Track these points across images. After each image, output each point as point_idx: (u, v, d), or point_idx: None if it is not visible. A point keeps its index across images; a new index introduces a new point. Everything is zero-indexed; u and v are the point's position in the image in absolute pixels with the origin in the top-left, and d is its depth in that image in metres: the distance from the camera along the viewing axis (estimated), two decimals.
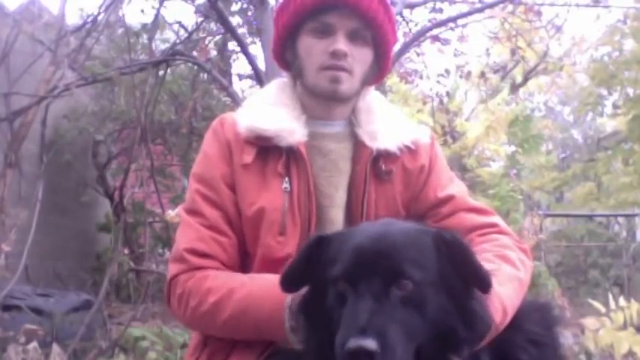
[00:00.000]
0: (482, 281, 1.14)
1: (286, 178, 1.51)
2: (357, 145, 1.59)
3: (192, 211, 1.53)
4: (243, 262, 1.52)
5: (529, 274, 1.45)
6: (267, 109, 1.59)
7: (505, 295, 1.29)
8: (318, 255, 1.22)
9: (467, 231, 1.48)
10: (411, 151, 1.61)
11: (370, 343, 1.01)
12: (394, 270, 1.11)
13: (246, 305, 1.38)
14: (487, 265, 1.23)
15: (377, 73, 1.64)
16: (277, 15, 1.61)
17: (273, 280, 1.36)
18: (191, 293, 1.44)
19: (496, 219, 1.58)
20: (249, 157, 1.53)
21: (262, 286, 1.38)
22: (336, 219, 1.54)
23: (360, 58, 1.55)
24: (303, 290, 1.27)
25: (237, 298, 1.39)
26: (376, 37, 1.56)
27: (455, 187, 1.63)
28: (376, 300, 1.08)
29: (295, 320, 1.31)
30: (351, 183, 1.56)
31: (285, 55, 1.63)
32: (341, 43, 1.50)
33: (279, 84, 1.67)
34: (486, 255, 1.38)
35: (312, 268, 1.21)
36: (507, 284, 1.33)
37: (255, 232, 1.50)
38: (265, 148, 1.53)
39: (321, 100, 1.58)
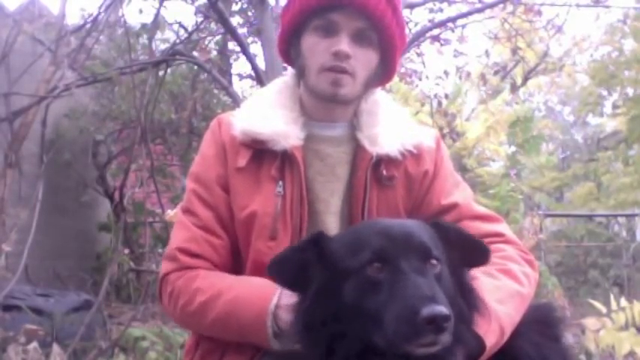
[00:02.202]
0: (483, 255, 1.25)
1: (280, 182, 1.49)
2: (358, 149, 1.54)
3: (188, 211, 1.53)
4: (236, 264, 1.51)
5: (533, 287, 1.43)
6: (265, 111, 1.56)
7: (504, 314, 1.28)
8: (316, 254, 1.20)
9: None
10: (415, 155, 1.56)
11: (445, 309, 1.04)
12: (425, 249, 1.16)
13: (231, 309, 1.37)
14: (488, 281, 1.30)
15: (382, 77, 1.59)
16: (283, 11, 1.59)
17: (258, 284, 1.37)
18: (180, 292, 1.44)
19: (502, 227, 1.54)
20: (243, 160, 1.51)
21: (248, 291, 1.38)
22: (330, 225, 1.51)
23: (363, 61, 1.50)
24: (296, 303, 1.24)
25: (223, 300, 1.39)
26: (382, 39, 1.51)
27: (460, 194, 1.57)
28: (423, 275, 1.11)
29: (278, 327, 1.32)
30: (351, 189, 1.53)
31: (289, 53, 1.60)
32: (344, 44, 1.46)
33: (279, 84, 1.64)
34: (489, 269, 1.36)
35: (309, 269, 1.20)
36: (508, 302, 1.32)
37: (247, 235, 1.49)
38: (260, 150, 1.51)
39: (321, 102, 1.55)
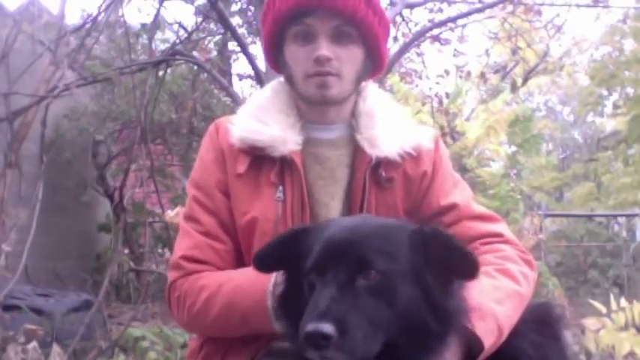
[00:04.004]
0: (470, 266, 1.14)
1: (280, 187, 1.49)
2: (357, 151, 1.54)
3: (190, 218, 1.54)
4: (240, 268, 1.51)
5: (531, 287, 1.42)
6: (261, 116, 1.55)
7: (502, 314, 1.28)
8: (297, 246, 1.22)
9: (470, 239, 1.44)
10: (413, 156, 1.55)
11: (327, 327, 1.02)
12: (360, 259, 1.12)
13: (232, 298, 1.38)
14: (486, 280, 1.27)
15: (372, 69, 1.58)
16: (261, 25, 1.59)
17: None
18: (187, 294, 1.45)
19: (501, 227, 1.54)
20: (242, 166, 1.51)
21: (247, 278, 1.39)
22: None
23: (347, 59, 1.49)
24: (282, 289, 1.28)
25: (224, 291, 1.40)
26: (362, 32, 1.49)
27: (459, 194, 1.57)
28: (341, 288, 1.09)
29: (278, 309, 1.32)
30: (350, 191, 1.53)
31: (278, 62, 1.59)
32: (323, 49, 1.45)
33: (276, 87, 1.63)
34: (487, 269, 1.35)
35: (289, 258, 1.22)
36: (506, 302, 1.31)
37: (249, 241, 1.49)
38: (259, 156, 1.51)
39: (314, 105, 1.54)
